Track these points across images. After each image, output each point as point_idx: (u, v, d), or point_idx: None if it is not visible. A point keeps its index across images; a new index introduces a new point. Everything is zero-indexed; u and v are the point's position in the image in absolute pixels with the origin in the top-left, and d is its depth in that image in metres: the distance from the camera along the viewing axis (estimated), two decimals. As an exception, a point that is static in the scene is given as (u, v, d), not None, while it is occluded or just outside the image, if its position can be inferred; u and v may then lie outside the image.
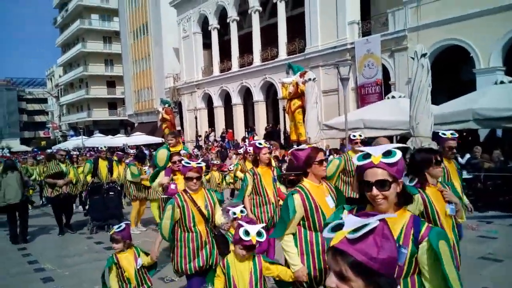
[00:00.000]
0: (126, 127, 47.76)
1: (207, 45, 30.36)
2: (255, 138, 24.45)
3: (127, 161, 11.44)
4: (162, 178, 5.60)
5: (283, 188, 5.46)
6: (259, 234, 2.92)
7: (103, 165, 9.38)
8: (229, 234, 3.94)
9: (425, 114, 9.88)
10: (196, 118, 30.49)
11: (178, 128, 31.02)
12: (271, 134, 22.73)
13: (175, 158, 5.47)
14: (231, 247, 3.76)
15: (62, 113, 62.75)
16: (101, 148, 10.00)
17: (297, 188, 3.08)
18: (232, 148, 22.57)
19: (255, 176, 5.14)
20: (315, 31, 20.72)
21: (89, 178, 9.35)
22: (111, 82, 52.75)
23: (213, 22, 28.42)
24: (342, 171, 6.15)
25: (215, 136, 28.53)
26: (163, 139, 28.64)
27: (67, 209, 9.10)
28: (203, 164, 3.77)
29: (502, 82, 10.98)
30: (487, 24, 14.38)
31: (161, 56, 36.19)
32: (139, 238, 7.86)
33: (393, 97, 13.77)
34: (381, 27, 18.35)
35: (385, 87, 17.56)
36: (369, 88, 18.05)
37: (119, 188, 9.45)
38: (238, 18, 26.93)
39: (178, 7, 31.59)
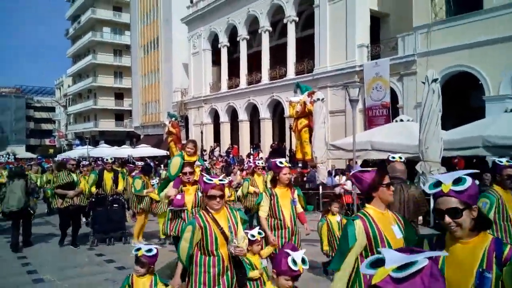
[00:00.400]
0: (131, 138, 47.91)
1: (216, 62, 30.65)
2: (260, 155, 24.43)
3: (133, 174, 11.38)
4: (170, 189, 5.25)
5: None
6: (303, 261, 2.62)
7: (108, 176, 9.21)
8: (245, 260, 3.66)
9: (434, 139, 9.83)
10: (202, 132, 30.53)
11: (184, 142, 31.08)
12: (277, 151, 22.66)
13: (187, 169, 5.17)
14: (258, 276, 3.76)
15: (69, 122, 63.15)
16: (107, 159, 9.71)
17: (359, 214, 2.76)
18: (236, 164, 22.51)
19: (272, 197, 4.68)
20: (324, 52, 20.85)
21: (93, 189, 9.04)
22: (119, 94, 53.17)
23: (223, 40, 28.72)
24: None
25: (220, 151, 28.50)
26: (167, 152, 28.75)
27: (75, 221, 8.67)
28: (226, 181, 3.42)
29: (512, 110, 10.90)
30: (497, 52, 14.39)
31: (170, 70, 36.51)
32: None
33: (401, 120, 13.72)
34: (390, 51, 18.43)
35: (393, 110, 17.53)
36: (376, 110, 18.02)
37: (123, 201, 9.24)
38: (248, 37, 27.22)
39: (189, 24, 32.01)
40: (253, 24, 26.63)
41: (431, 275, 1.03)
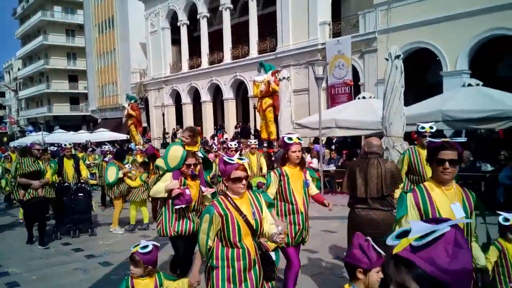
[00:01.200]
0: (88, 123, 46.27)
1: (175, 41, 29.83)
2: (225, 136, 24.29)
3: (106, 159, 10.86)
4: (170, 182, 4.37)
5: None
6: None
7: (69, 164, 8.54)
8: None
9: (397, 115, 10.05)
10: (163, 114, 29.89)
11: (145, 124, 30.37)
12: (244, 131, 22.59)
13: (191, 160, 4.41)
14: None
15: (21, 107, 60.06)
16: (66, 145, 8.90)
17: (415, 187, 2.66)
18: (200, 146, 22.26)
19: (282, 177, 4.06)
20: (287, 30, 20.75)
21: (55, 179, 8.37)
22: (74, 77, 50.93)
23: (183, 18, 27.94)
24: (408, 170, 5.23)
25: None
26: (127, 136, 28.02)
27: (41, 216, 7.61)
28: (245, 160, 3.02)
29: (469, 85, 11.32)
30: (454, 28, 14.83)
31: (127, 50, 35.24)
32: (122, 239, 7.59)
33: (363, 97, 13.96)
34: (352, 28, 18.59)
35: (355, 88, 17.81)
36: (339, 88, 18.24)
37: (88, 189, 8.57)
38: (208, 15, 26.61)
39: (146, 2, 30.85)
40: (213, 1, 26.01)
41: (455, 243, 0.98)
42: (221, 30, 25.55)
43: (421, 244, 0.98)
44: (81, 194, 8.22)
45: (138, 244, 2.97)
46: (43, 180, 7.43)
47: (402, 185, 4.66)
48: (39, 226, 7.52)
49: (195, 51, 27.80)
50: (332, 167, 12.58)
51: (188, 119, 29.05)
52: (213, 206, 2.87)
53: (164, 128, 29.54)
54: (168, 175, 4.46)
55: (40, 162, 7.57)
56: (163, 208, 4.51)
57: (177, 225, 4.45)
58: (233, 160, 2.87)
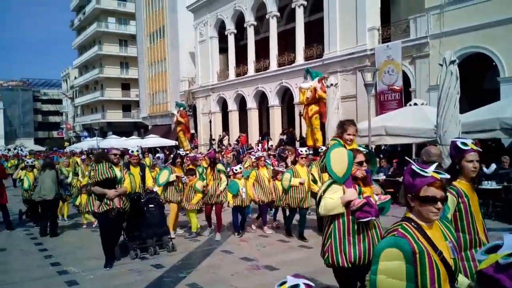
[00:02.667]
0: (139, 129, 47.99)
1: (223, 50, 30.39)
2: (270, 143, 24.36)
3: (162, 165, 11.35)
4: (344, 192, 3.43)
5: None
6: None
7: (135, 172, 7.54)
8: None
9: (453, 122, 9.66)
10: (210, 121, 30.45)
11: (192, 131, 31.08)
12: (289, 138, 22.56)
13: (360, 157, 3.54)
14: None
15: (77, 114, 63.36)
16: (132, 151, 7.80)
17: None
18: (246, 153, 22.45)
19: (460, 199, 3.13)
20: (334, 36, 20.55)
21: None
22: (126, 85, 53.14)
23: (230, 27, 28.43)
24: None
25: (228, 140, 28.45)
26: (176, 142, 28.74)
27: (116, 230, 6.84)
28: (447, 176, 2.21)
29: (531, 91, 10.67)
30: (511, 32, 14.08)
31: (177, 59, 36.30)
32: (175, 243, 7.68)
33: (415, 104, 13.54)
34: (402, 33, 18.11)
35: (405, 94, 17.30)
36: (388, 95, 17.79)
37: (159, 199, 7.74)
38: (255, 23, 26.91)
39: (195, 12, 31.69)
40: (260, 9, 26.28)
41: None
42: (268, 37, 25.74)
43: (509, 262, 0.93)
44: (152, 206, 7.34)
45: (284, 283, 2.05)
46: (120, 189, 6.54)
47: None
48: (110, 240, 6.66)
49: (241, 59, 28.18)
50: (381, 176, 12.26)
51: (234, 126, 29.42)
52: (403, 237, 1.97)
53: (211, 135, 30.07)
54: (335, 187, 3.51)
55: (116, 169, 6.63)
56: (331, 228, 3.48)
57: (353, 252, 3.41)
58: (426, 172, 2.06)
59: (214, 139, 29.72)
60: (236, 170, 8.47)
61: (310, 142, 16.82)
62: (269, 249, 7.31)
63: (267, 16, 25.25)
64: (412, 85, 17.39)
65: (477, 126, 10.72)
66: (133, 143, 31.54)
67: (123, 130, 47.45)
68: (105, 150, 7.54)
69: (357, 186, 3.50)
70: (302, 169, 7.89)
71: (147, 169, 8.13)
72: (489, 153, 11.95)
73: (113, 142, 33.19)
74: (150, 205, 7.28)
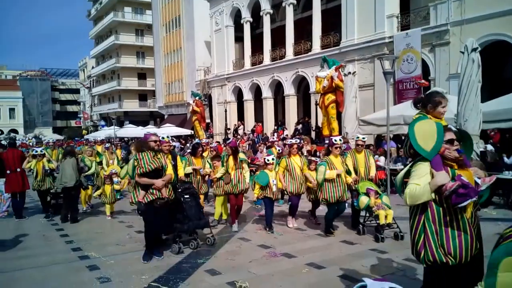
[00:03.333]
0: (155, 118, 48.39)
1: (238, 38, 30.27)
2: (285, 132, 24.29)
3: (179, 153, 11.27)
4: (437, 176, 2.87)
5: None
6: None
7: (167, 161, 6.78)
8: None
9: (474, 111, 9.51)
10: (226, 111, 30.50)
11: (208, 120, 31.20)
12: (305, 128, 22.48)
13: (450, 134, 3.01)
14: None
15: (94, 103, 64.14)
16: (163, 138, 6.99)
17: None
18: (261, 142, 22.45)
19: None
20: (352, 24, 20.25)
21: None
22: (142, 74, 53.46)
23: (246, 15, 28.27)
24: None
25: (244, 129, 28.47)
26: (192, 131, 28.93)
27: (165, 224, 6.49)
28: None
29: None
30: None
31: (192, 49, 36.33)
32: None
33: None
34: (422, 20, 17.75)
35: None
36: (407, 83, 17.51)
37: (195, 190, 7.38)
38: (271, 11, 26.69)
39: (211, 0, 31.58)
40: (276, -3, 26.07)
41: None
42: (284, 26, 25.53)
43: None
44: (188, 196, 6.89)
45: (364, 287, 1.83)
46: (166, 177, 6.17)
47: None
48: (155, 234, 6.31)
49: (257, 48, 28.04)
50: (399, 166, 12.13)
51: (250, 115, 29.42)
52: None
53: (226, 124, 30.15)
54: (423, 167, 2.98)
55: (160, 156, 6.22)
56: (423, 220, 2.96)
57: (453, 246, 2.86)
58: None
59: (229, 129, 29.79)
60: (268, 160, 7.91)
61: (326, 132, 16.73)
62: (286, 237, 7.33)
63: (283, 4, 25.01)
64: (432, 73, 17.08)
65: (497, 115, 10.51)
66: (149, 132, 31.87)
67: (140, 119, 47.89)
68: (145, 137, 6.43)
69: (449, 169, 2.94)
70: (336, 160, 7.24)
71: (178, 158, 7.53)
72: (510, 143, 11.72)
73: (130, 131, 33.65)
74: (185, 196, 6.82)
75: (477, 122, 9.54)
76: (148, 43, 50.09)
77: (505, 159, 10.61)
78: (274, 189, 7.64)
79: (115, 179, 9.75)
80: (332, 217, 7.40)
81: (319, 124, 19.36)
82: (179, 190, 6.83)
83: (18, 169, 9.65)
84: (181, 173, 7.36)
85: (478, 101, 9.48)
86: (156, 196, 6.00)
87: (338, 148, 7.20)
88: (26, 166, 9.81)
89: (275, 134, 24.13)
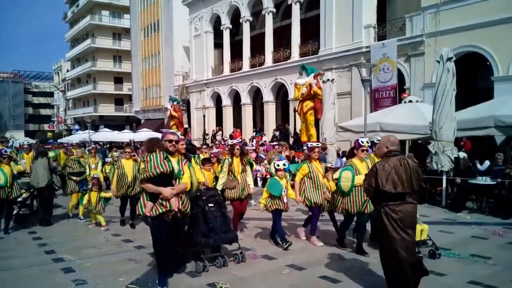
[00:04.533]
0: (131, 123, 47.73)
1: (217, 45, 30.32)
2: (264, 138, 24.36)
3: None
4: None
5: None
6: None
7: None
8: None
9: (448, 119, 9.79)
10: (204, 116, 30.38)
11: (186, 126, 30.98)
12: (283, 134, 22.61)
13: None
14: None
15: (68, 107, 62.82)
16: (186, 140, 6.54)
17: None
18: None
19: None
20: (330, 33, 20.60)
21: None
22: (119, 78, 52.77)
23: (226, 22, 28.38)
24: None
25: (222, 135, 28.40)
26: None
27: (174, 242, 5.25)
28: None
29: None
30: (506, 32, 14.23)
31: (171, 54, 36.12)
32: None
33: (410, 101, 13.62)
34: (397, 31, 18.22)
35: (400, 92, 17.40)
36: (383, 92, 17.90)
37: (221, 198, 6.38)
38: (251, 19, 26.88)
39: (191, 6, 31.55)
40: (256, 5, 26.28)
41: None
42: (263, 34, 25.75)
43: None
44: (212, 205, 5.94)
45: None
46: (179, 186, 4.93)
47: None
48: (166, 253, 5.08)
49: (236, 54, 28.13)
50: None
51: (228, 121, 29.39)
52: None
53: (204, 129, 30.00)
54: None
55: (173, 160, 5.00)
56: None
57: None
58: None
59: (207, 134, 29.66)
60: (278, 165, 6.81)
61: (304, 138, 16.85)
62: (267, 240, 7.29)
63: (263, 12, 25.25)
64: (407, 82, 17.52)
65: (472, 123, 10.82)
66: (125, 136, 31.38)
67: (115, 123, 47.12)
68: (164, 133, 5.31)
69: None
70: (362, 165, 6.18)
71: (193, 161, 6.41)
72: (483, 150, 12.10)
73: (107, 135, 33.03)
74: (209, 204, 5.89)
75: (452, 130, 9.82)
76: (125, 47, 49.57)
77: (478, 165, 10.95)
78: (286, 199, 6.75)
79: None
80: (346, 230, 6.66)
81: (297, 131, 19.51)
82: (203, 197, 5.88)
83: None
84: (200, 177, 6.26)
85: (453, 109, 9.76)
86: (166, 209, 4.82)
87: (365, 152, 6.19)
88: None
89: (254, 140, 24.18)
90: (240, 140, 8.56)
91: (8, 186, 7.92)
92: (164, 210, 4.81)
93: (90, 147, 14.40)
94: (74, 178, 9.65)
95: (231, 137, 27.53)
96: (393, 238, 4.24)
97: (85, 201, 8.78)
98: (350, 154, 6.82)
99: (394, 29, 18.50)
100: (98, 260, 6.25)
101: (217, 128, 29.79)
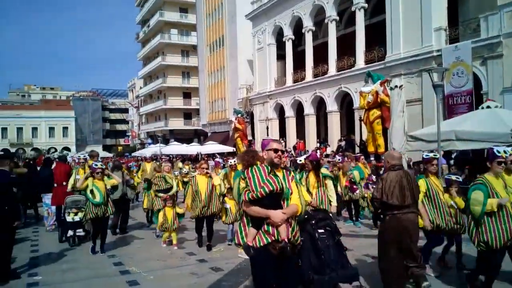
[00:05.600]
0: (199, 136, 49.26)
1: (280, 56, 30.41)
2: (328, 149, 23.82)
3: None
4: None
5: None
6: None
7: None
8: None
9: (534, 125, 8.80)
10: (267, 128, 30.47)
11: (250, 138, 31.28)
12: (349, 144, 22.00)
13: None
14: None
15: (141, 122, 66.34)
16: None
17: None
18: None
19: None
20: (397, 38, 19.74)
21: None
22: (187, 93, 54.85)
23: (288, 33, 28.40)
24: None
25: (285, 146, 28.25)
26: (234, 148, 29.05)
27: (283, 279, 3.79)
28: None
29: None
30: None
31: (235, 67, 36.89)
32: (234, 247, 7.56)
33: (488, 107, 12.53)
34: (471, 33, 16.99)
35: (476, 97, 16.17)
36: (458, 97, 16.72)
37: (333, 222, 5.21)
38: (313, 28, 26.66)
39: (254, 20, 32.05)
40: (318, 15, 26.03)
41: None
42: (326, 43, 25.36)
43: None
44: (323, 231, 4.87)
45: None
46: (289, 208, 3.73)
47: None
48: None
49: (299, 65, 27.98)
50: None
51: (292, 132, 29.21)
52: None
53: (268, 141, 30.04)
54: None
55: (279, 174, 3.79)
56: None
57: None
58: None
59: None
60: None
61: (371, 149, 16.17)
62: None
63: (326, 21, 24.89)
64: (484, 87, 16.22)
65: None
66: (194, 149, 32.39)
67: (184, 137, 48.88)
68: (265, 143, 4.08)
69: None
70: (498, 182, 4.76)
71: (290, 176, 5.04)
72: None
73: (176, 148, 34.35)
74: (319, 230, 4.81)
75: (539, 137, 8.82)
76: (193, 63, 51.49)
77: None
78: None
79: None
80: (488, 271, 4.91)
81: (364, 140, 18.82)
82: (312, 222, 4.82)
83: (64, 183, 9.72)
84: (307, 197, 5.18)
85: (540, 113, 8.78)
86: (273, 238, 3.62)
87: (503, 164, 4.76)
88: (82, 186, 7.60)
89: (318, 151, 23.75)
90: (310, 152, 7.95)
91: (104, 203, 7.55)
92: (270, 240, 3.62)
93: (165, 160, 14.15)
94: (160, 195, 8.83)
95: (295, 148, 27.33)
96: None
97: (160, 218, 8.11)
98: (483, 166, 5.02)
99: (468, 30, 17.28)
100: (162, 273, 6.34)
101: (281, 139, 29.71)
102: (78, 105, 73.05)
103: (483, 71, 16.28)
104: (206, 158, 25.79)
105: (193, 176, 8.38)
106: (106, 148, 69.99)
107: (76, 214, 8.42)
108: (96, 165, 7.76)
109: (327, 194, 6.58)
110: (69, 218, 8.43)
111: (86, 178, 7.59)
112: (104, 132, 78.99)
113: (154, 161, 17.90)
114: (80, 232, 8.65)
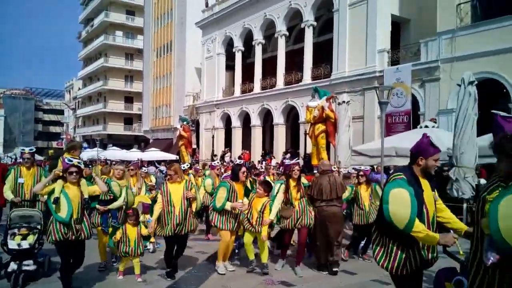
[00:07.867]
0: (140, 142, 47.78)
1: (229, 67, 30.51)
2: (273, 161, 24.08)
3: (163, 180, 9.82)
4: None
5: None
6: None
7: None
8: None
9: (470, 144, 9.48)
10: (213, 137, 30.27)
11: (194, 146, 30.86)
12: (293, 157, 22.28)
13: None
14: None
15: (78, 125, 63.25)
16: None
17: None
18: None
19: None
20: (343, 57, 20.56)
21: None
22: (129, 98, 53.22)
23: (238, 44, 28.59)
24: None
25: (230, 156, 28.18)
26: (177, 156, 28.49)
27: None
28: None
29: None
30: (525, 59, 14.04)
31: (183, 74, 36.43)
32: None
33: (426, 126, 13.35)
34: (412, 56, 18.12)
35: (413, 118, 17.18)
36: (396, 117, 17.67)
37: None
38: (263, 42, 27.06)
39: (204, 28, 31.94)
40: (268, 28, 26.50)
41: None
42: (275, 56, 25.85)
43: None
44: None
45: None
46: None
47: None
48: None
49: (248, 76, 28.22)
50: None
51: (237, 143, 29.24)
52: None
53: (213, 150, 29.84)
54: None
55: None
56: None
57: None
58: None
59: (216, 155, 29.45)
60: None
61: (315, 162, 16.56)
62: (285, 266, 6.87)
63: (275, 35, 25.39)
64: (421, 108, 17.29)
65: (488, 150, 10.50)
66: (134, 155, 31.28)
67: (123, 142, 47.18)
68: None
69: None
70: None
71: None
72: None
73: (116, 153, 32.97)
74: None
75: (473, 155, 9.51)
76: (137, 67, 50.19)
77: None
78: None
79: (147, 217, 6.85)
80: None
81: (307, 154, 19.24)
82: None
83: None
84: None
85: (474, 134, 9.48)
86: None
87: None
88: (44, 191, 4.93)
89: (263, 162, 23.92)
90: (297, 159, 7.88)
91: (76, 219, 4.95)
92: None
93: (133, 163, 11.68)
94: (98, 207, 6.35)
95: (240, 158, 27.32)
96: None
97: (118, 235, 5.84)
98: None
99: (409, 54, 18.41)
100: (106, 282, 5.92)
101: (226, 149, 29.59)
102: (8, 103, 68.25)
103: (421, 93, 17.36)
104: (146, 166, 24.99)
105: (163, 183, 6.52)
106: (37, 150, 65.79)
107: (25, 237, 5.70)
108: (70, 160, 5.03)
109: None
110: (12, 244, 5.59)
111: (54, 180, 4.98)
112: (35, 133, 74.37)
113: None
114: (29, 265, 5.58)
